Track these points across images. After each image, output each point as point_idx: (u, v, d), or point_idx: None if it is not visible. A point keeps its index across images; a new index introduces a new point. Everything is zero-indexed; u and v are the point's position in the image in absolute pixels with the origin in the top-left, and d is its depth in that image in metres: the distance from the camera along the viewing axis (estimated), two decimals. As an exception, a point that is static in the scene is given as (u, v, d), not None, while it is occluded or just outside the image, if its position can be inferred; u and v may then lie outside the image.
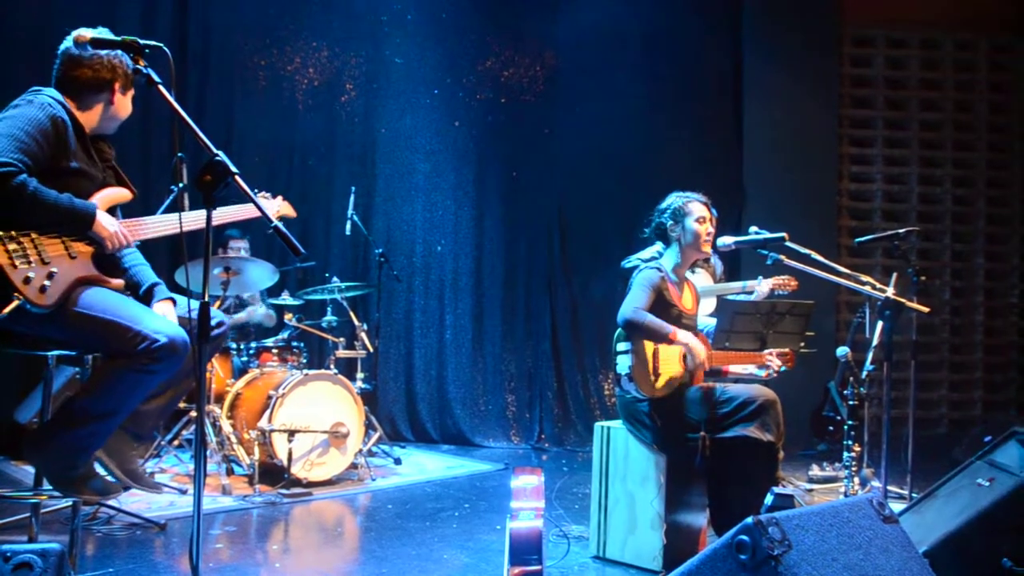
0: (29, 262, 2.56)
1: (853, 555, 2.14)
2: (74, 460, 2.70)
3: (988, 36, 7.67)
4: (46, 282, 2.57)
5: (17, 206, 2.54)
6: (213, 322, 2.75)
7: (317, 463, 4.97)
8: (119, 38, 2.56)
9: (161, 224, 2.96)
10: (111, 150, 3.02)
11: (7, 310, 2.48)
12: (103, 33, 2.72)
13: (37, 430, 2.81)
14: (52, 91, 2.82)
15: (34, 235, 2.61)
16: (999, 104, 7.71)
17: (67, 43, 2.84)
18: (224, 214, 3.08)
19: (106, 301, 2.71)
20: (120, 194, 2.92)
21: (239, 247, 5.93)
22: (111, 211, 2.88)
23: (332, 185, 6.95)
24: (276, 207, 3.48)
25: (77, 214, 2.68)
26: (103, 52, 2.83)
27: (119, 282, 2.83)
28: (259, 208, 2.50)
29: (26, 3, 6.03)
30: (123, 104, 2.97)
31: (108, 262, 2.83)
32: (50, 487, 2.80)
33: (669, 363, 3.58)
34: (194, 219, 2.91)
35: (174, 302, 3.00)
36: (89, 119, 2.89)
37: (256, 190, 3.32)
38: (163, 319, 2.79)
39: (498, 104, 7.27)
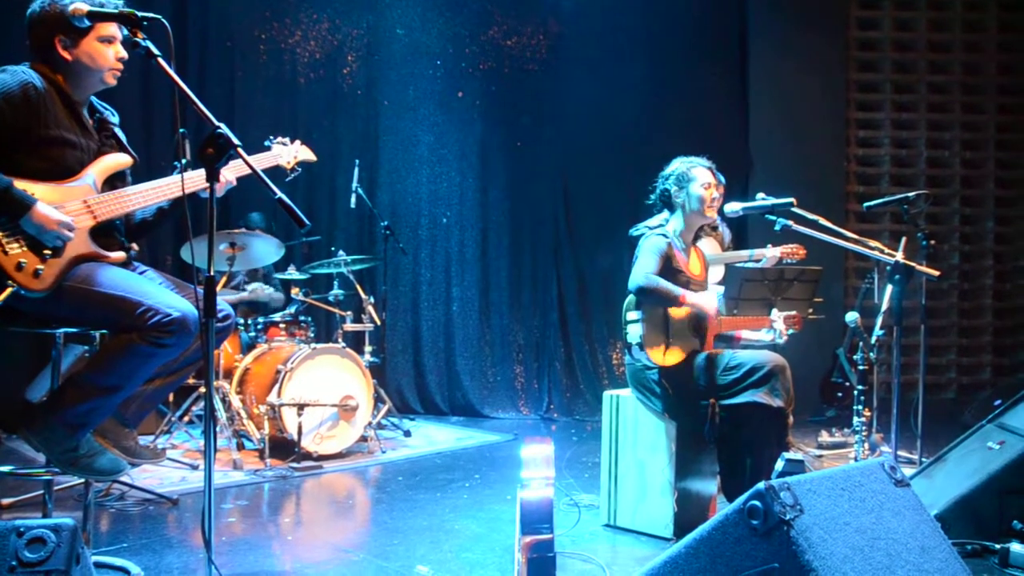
0: (22, 247, 2.52)
1: (865, 519, 2.14)
2: (73, 436, 2.63)
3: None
4: (40, 266, 2.52)
5: None
6: (221, 314, 2.69)
7: (327, 436, 4.99)
8: (116, 10, 2.51)
9: (150, 192, 2.82)
10: (114, 118, 2.93)
11: (1, 298, 2.44)
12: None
13: (36, 405, 2.74)
14: (35, 63, 2.70)
15: None
16: (1008, 65, 7.58)
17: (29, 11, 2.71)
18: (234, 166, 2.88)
19: (112, 277, 2.65)
20: (119, 160, 2.85)
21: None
22: (118, 176, 2.82)
23: (336, 158, 6.91)
24: (294, 152, 3.25)
25: (5, 198, 2.49)
26: (38, 9, 2.66)
27: (120, 255, 2.76)
28: (264, 181, 2.43)
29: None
30: (85, 53, 2.71)
31: (108, 237, 2.77)
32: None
33: (680, 331, 3.57)
34: (191, 180, 2.78)
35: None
36: (70, 81, 2.73)
37: (272, 137, 3.25)
38: (173, 294, 2.71)
39: (501, 73, 7.21)
